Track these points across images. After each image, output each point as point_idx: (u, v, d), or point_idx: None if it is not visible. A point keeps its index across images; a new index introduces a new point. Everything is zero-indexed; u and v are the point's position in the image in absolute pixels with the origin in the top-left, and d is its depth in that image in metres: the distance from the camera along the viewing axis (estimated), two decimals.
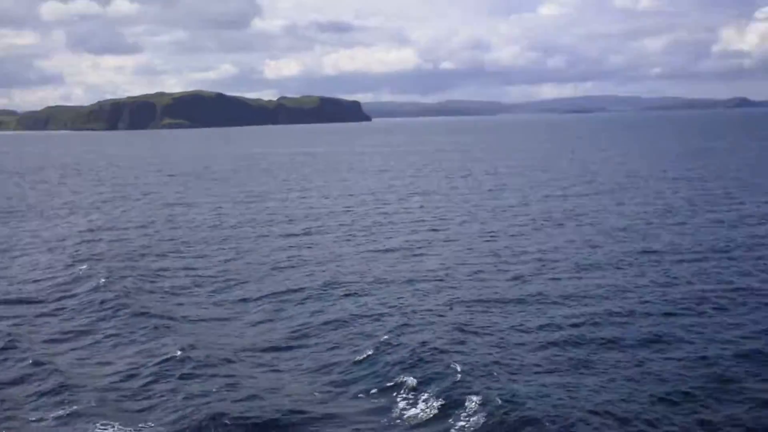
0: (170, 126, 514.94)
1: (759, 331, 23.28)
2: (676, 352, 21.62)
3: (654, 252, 35.47)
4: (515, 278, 31.04)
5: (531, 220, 47.37)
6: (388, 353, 21.76)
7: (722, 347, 21.82)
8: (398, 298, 28.17)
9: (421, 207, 55.61)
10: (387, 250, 38.18)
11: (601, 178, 73.66)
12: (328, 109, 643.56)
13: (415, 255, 36.77)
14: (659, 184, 66.23)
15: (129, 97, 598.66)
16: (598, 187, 66.10)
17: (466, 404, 18.04)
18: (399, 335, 23.24)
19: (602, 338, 22.89)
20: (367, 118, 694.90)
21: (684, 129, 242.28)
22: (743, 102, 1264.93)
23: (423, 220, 48.58)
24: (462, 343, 22.49)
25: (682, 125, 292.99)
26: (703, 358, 21.00)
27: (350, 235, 43.35)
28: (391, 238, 41.97)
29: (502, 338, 23.12)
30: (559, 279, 30.63)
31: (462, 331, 23.69)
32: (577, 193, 61.84)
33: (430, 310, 26.29)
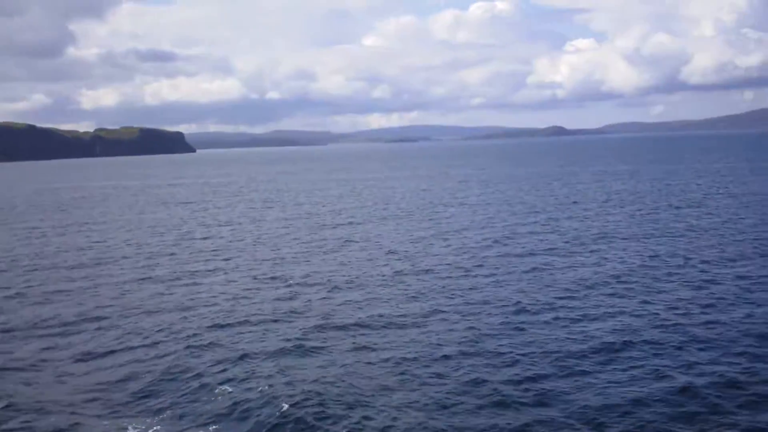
0: None
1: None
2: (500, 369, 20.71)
3: (427, 270, 35.31)
4: (278, 299, 30.34)
5: (305, 245, 46.38)
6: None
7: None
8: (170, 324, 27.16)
9: (207, 238, 53.20)
10: (154, 279, 36.95)
11: (404, 204, 74.55)
12: (150, 141, 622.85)
13: (196, 283, 35.79)
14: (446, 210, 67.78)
15: None
16: (387, 213, 66.57)
17: None
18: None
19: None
20: (191, 149, 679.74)
21: (500, 156, 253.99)
22: (559, 130, 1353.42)
23: (210, 250, 46.57)
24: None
25: (498, 152, 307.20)
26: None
27: (132, 267, 40.69)
28: (165, 268, 39.54)
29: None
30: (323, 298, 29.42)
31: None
32: (371, 218, 61.82)
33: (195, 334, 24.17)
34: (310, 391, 19.78)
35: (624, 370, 21.25)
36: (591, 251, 40.84)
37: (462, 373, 21.27)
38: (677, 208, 61.18)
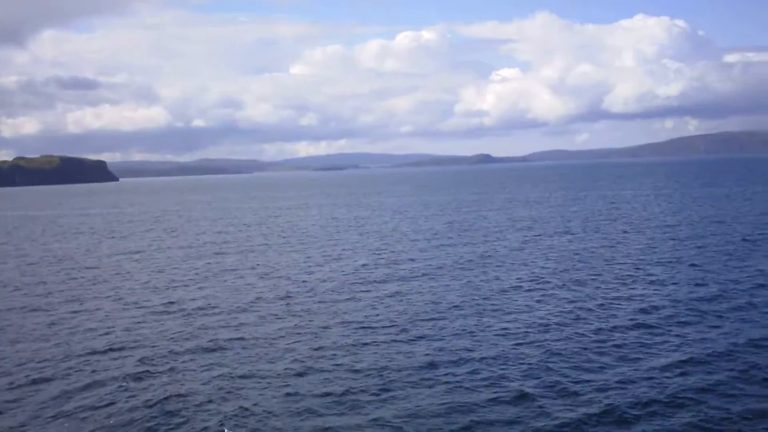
0: None
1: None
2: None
3: (289, 294, 36.76)
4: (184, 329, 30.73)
5: (195, 270, 47.32)
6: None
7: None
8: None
9: (94, 268, 53.54)
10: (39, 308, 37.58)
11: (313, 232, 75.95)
12: (70, 170, 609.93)
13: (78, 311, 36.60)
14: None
15: None
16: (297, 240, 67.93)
17: None
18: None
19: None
20: (114, 178, 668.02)
21: (421, 183, 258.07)
22: (486, 158, 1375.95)
23: (98, 280, 46.93)
24: None
25: (422, 180, 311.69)
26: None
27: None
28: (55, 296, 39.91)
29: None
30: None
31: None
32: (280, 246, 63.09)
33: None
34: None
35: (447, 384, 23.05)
36: (455, 275, 43.02)
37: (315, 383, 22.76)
38: (565, 233, 64.25)
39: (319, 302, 36.38)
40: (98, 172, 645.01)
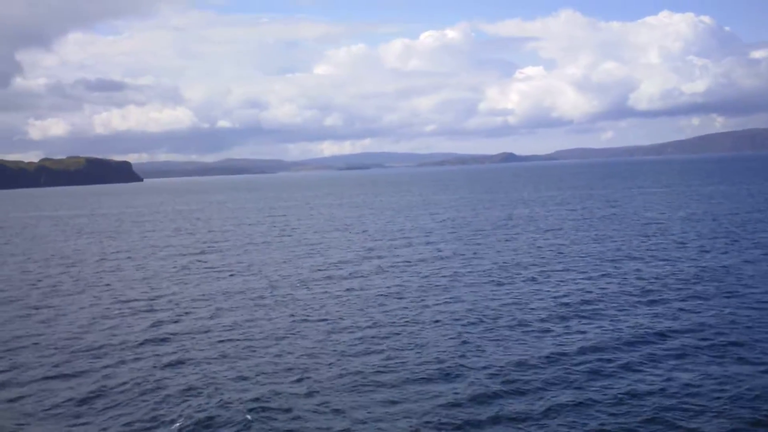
0: None
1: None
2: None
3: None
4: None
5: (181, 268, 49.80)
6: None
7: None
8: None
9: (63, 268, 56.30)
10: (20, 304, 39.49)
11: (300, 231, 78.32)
12: (96, 171, 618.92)
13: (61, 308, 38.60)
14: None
15: None
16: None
17: None
18: None
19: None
20: (139, 179, 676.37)
21: (440, 182, 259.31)
22: (510, 157, 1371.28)
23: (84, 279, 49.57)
24: None
25: (443, 179, 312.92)
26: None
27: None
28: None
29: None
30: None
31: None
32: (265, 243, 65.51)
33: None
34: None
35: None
36: (422, 270, 45.15)
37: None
38: (545, 231, 66.08)
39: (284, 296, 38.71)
40: (123, 173, 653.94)
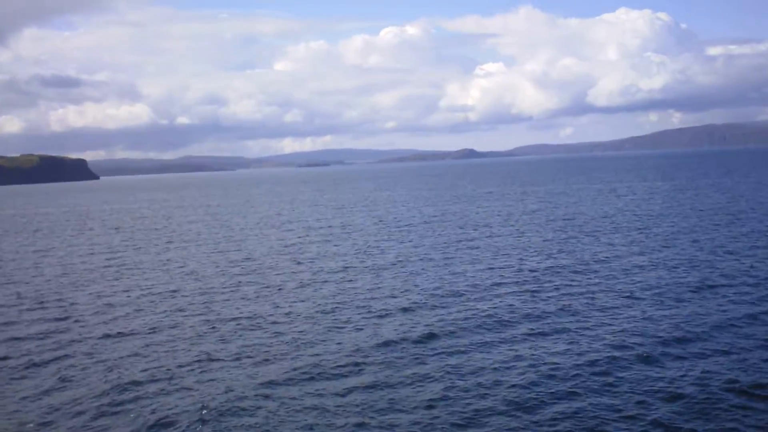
0: None
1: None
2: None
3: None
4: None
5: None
6: None
7: None
8: None
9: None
10: None
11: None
12: (50, 169, 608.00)
13: None
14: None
15: None
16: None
17: None
18: None
19: None
20: (95, 177, 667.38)
21: (397, 178, 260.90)
22: (471, 153, 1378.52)
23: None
24: None
25: (401, 175, 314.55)
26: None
27: None
28: None
29: None
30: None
31: None
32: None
33: None
34: None
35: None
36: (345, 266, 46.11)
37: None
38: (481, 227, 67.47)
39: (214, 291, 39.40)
40: (78, 171, 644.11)
